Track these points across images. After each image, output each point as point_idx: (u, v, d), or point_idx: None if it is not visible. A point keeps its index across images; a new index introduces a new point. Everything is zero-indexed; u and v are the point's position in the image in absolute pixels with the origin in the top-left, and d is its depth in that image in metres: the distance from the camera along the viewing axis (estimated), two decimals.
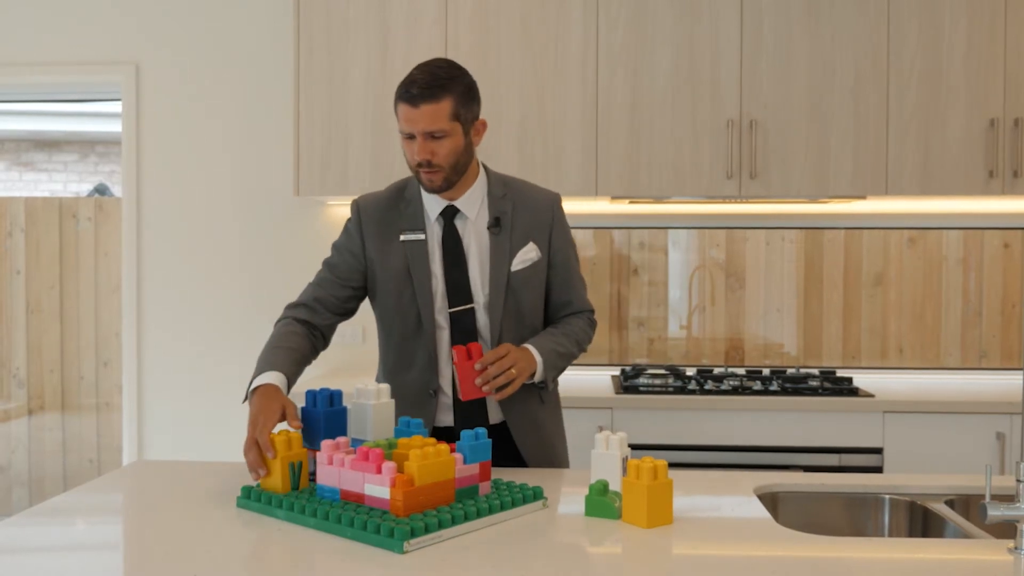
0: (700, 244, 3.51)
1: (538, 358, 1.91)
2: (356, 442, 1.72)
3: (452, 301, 1.94)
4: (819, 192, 3.10)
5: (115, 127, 5.13)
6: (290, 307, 2.00)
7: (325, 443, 1.56)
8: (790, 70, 3.09)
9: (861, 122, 3.08)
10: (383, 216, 2.00)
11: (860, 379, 3.28)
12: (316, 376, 3.42)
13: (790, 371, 3.30)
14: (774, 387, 3.02)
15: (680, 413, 2.88)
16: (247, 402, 1.77)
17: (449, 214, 1.96)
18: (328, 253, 2.08)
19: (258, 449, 1.61)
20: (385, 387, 1.75)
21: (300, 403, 1.77)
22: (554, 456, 2.05)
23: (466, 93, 1.87)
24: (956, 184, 3.07)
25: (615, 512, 1.53)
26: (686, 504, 1.63)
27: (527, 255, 1.97)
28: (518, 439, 1.98)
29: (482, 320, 1.95)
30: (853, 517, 1.79)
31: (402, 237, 1.97)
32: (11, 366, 4.28)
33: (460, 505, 1.48)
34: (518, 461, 2.00)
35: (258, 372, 1.80)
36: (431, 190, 1.91)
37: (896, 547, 1.44)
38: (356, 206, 2.04)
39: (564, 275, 2.04)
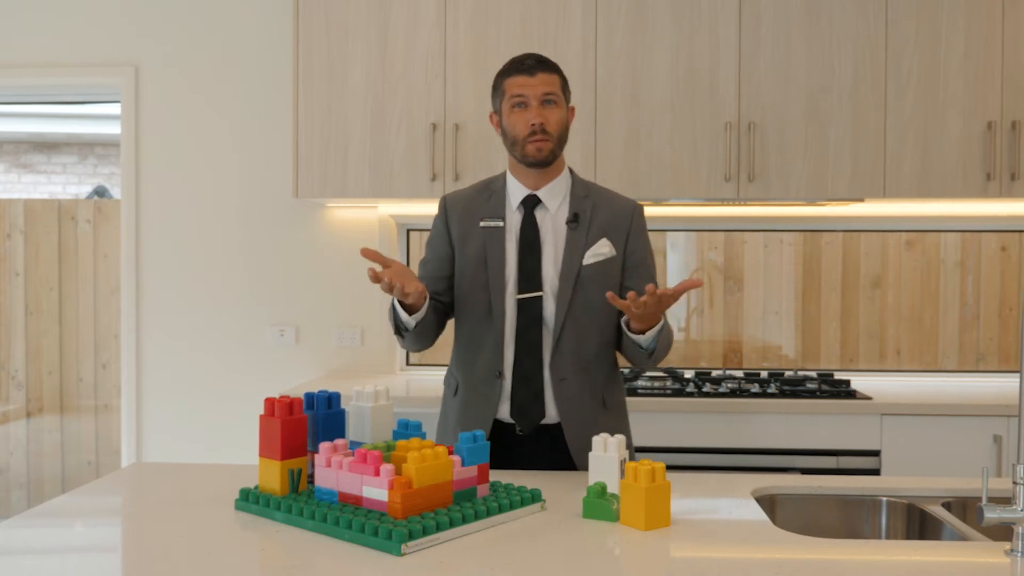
0: (698, 246, 3.52)
1: (662, 320, 1.91)
2: (354, 444, 1.72)
3: (522, 288, 1.96)
4: (817, 195, 3.11)
5: (114, 129, 5.13)
6: None
7: (323, 445, 1.57)
8: (788, 73, 3.10)
9: (859, 125, 3.09)
10: (467, 205, 2.06)
11: (858, 381, 3.29)
12: (315, 378, 3.42)
13: (788, 373, 3.30)
14: (772, 389, 3.02)
15: (678, 415, 2.89)
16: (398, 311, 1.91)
17: (531, 203, 2.01)
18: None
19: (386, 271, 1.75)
20: (383, 389, 1.75)
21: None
22: None
23: (564, 77, 2.01)
24: (954, 187, 3.07)
25: (613, 514, 1.53)
26: (684, 506, 1.63)
27: (599, 249, 1.99)
28: (571, 440, 1.95)
29: (549, 309, 1.97)
30: (850, 519, 1.80)
31: (482, 224, 2.02)
32: (10, 368, 4.28)
33: (458, 507, 1.49)
34: (571, 465, 1.96)
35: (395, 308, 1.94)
36: (538, 161, 1.95)
37: (893, 549, 1.44)
38: (442, 200, 2.11)
39: (642, 281, 2.00)
